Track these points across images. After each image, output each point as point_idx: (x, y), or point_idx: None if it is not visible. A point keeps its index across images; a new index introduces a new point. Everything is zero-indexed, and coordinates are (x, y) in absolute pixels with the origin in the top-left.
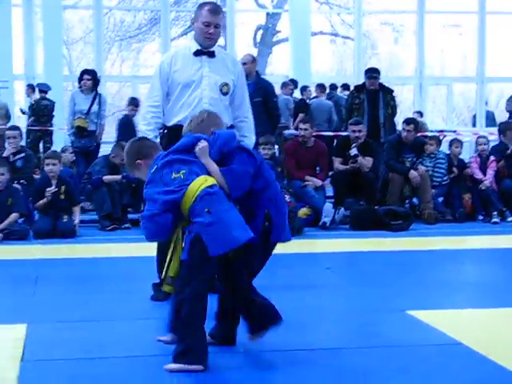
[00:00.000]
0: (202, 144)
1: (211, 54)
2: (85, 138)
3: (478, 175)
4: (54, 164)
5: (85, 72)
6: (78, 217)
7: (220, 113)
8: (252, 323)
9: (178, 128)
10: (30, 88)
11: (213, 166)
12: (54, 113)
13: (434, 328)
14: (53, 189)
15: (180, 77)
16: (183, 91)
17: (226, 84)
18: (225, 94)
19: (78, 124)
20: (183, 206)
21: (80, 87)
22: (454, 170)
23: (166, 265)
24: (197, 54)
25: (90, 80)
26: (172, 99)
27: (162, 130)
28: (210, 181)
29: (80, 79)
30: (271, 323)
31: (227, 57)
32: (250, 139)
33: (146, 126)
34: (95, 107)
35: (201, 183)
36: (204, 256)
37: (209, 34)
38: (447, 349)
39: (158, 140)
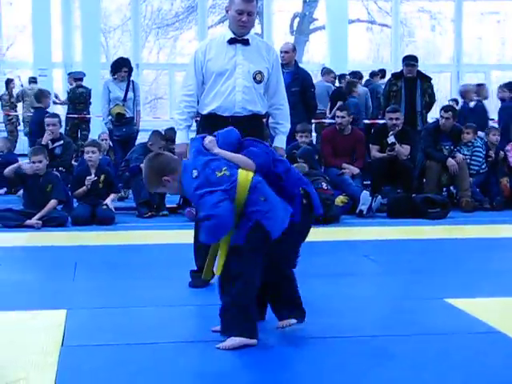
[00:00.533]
0: (209, 138)
1: (245, 42)
2: (125, 125)
3: None
4: (93, 152)
5: (122, 64)
6: (110, 201)
7: (252, 100)
8: (285, 309)
9: (212, 116)
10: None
11: (228, 153)
12: (90, 100)
13: (472, 316)
14: (92, 178)
15: (214, 65)
16: (217, 80)
17: (260, 72)
18: (258, 82)
19: (117, 111)
20: (237, 201)
21: (114, 77)
22: (491, 153)
23: (210, 252)
24: (231, 42)
25: (127, 72)
26: (206, 88)
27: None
28: (250, 171)
29: (116, 71)
30: (299, 316)
31: (262, 44)
32: (284, 127)
33: (179, 116)
34: (130, 94)
35: (246, 174)
36: (263, 240)
37: (242, 22)
38: (485, 337)
39: (188, 129)
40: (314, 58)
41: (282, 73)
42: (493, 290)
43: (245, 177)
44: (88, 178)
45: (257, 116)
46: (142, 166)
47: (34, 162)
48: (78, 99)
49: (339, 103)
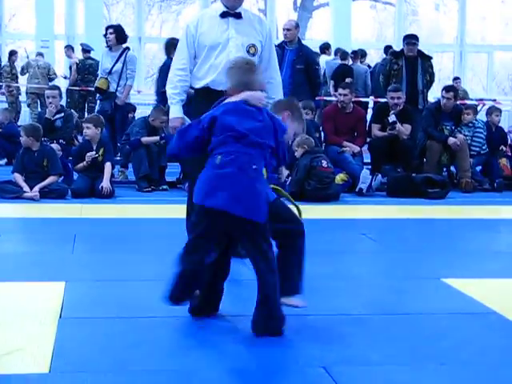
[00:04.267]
0: None
1: (238, 16)
2: (105, 100)
3: None
4: (88, 128)
5: (108, 27)
6: (107, 181)
7: None
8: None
9: (205, 90)
10: (70, 49)
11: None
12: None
13: (469, 296)
14: (92, 154)
15: (206, 39)
16: (210, 53)
17: (253, 45)
18: (252, 55)
19: (96, 85)
20: None
21: (107, 45)
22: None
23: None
24: (223, 15)
25: (113, 34)
26: (199, 62)
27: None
28: None
29: (105, 35)
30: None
31: (254, 17)
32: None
33: (172, 90)
34: (118, 66)
35: None
36: None
37: None
38: (481, 317)
39: (181, 103)
40: (317, 35)
41: (274, 46)
42: (490, 271)
43: None
44: (88, 154)
45: None
46: (142, 139)
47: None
48: (88, 70)
49: (348, 79)
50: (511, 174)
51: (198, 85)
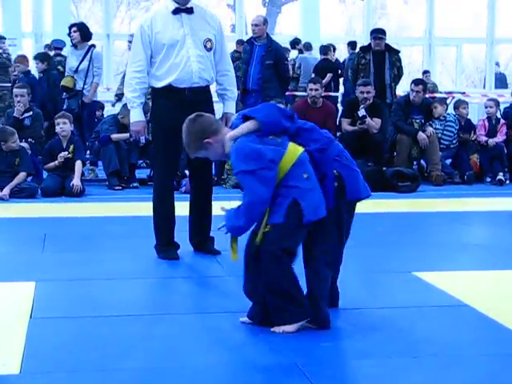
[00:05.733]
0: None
1: (190, 11)
2: (71, 98)
3: (482, 140)
4: (64, 123)
5: (71, 25)
6: (78, 180)
7: (207, 69)
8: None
9: (167, 89)
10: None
11: (239, 128)
12: None
13: (439, 289)
14: (66, 154)
15: (163, 38)
16: (169, 52)
17: (209, 40)
18: (209, 49)
19: (62, 83)
20: (280, 169)
21: (72, 43)
22: (462, 135)
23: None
24: (175, 12)
25: (77, 32)
26: (158, 61)
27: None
28: (300, 147)
29: (69, 34)
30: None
31: (205, 12)
32: (233, 92)
33: (132, 93)
34: (85, 64)
35: (295, 148)
36: (299, 221)
37: None
38: (452, 310)
39: (142, 106)
40: (286, 30)
41: (225, 39)
42: (460, 264)
43: (294, 148)
44: (61, 155)
45: (209, 88)
46: (112, 136)
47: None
48: (56, 68)
49: (329, 75)
50: (479, 171)
51: (159, 84)
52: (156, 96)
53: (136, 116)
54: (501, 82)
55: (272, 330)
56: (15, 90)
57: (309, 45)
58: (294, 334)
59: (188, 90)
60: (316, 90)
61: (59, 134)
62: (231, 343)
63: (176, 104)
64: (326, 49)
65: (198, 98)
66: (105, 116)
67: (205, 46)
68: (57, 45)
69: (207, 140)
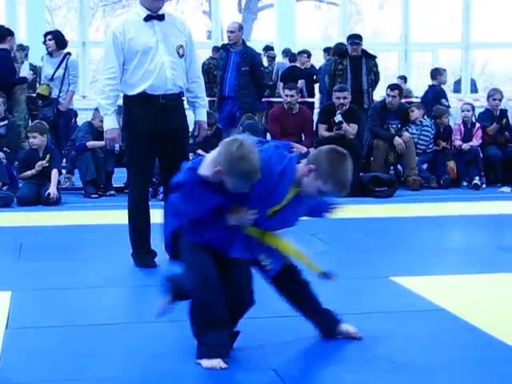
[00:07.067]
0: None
1: (161, 18)
2: (47, 106)
3: (457, 144)
4: (34, 137)
5: (47, 33)
6: (54, 188)
7: (181, 76)
8: None
9: (141, 97)
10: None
11: None
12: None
13: (417, 294)
14: (43, 163)
15: (136, 44)
16: (142, 59)
17: (181, 46)
18: (181, 56)
19: (38, 91)
20: None
21: (48, 51)
22: (440, 142)
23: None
24: (147, 19)
25: (52, 40)
26: (131, 68)
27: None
28: None
29: (44, 42)
30: None
31: (175, 19)
32: (203, 99)
33: (105, 100)
34: (60, 72)
35: None
36: None
37: None
38: (430, 314)
39: (115, 114)
40: (262, 36)
41: (195, 47)
42: (438, 268)
43: None
44: (38, 163)
45: (181, 95)
46: (88, 144)
47: None
48: None
49: (301, 81)
50: (456, 177)
51: (133, 92)
52: (129, 104)
53: (110, 124)
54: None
55: None
56: None
57: (288, 51)
58: (271, 341)
59: (162, 97)
60: (292, 96)
61: (31, 146)
62: None
63: (150, 111)
64: (293, 56)
65: (172, 104)
66: (79, 124)
67: (178, 53)
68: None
69: None
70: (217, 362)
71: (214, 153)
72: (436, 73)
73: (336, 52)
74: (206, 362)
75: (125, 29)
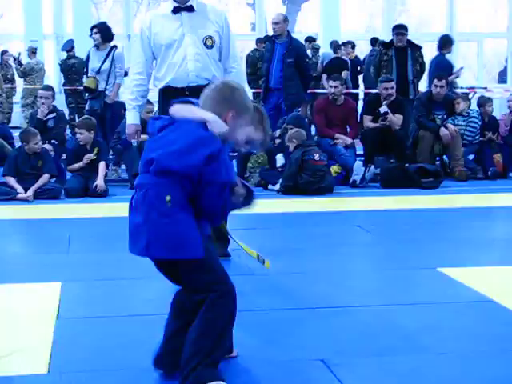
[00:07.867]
0: None
1: (190, 9)
2: (94, 99)
3: (504, 133)
4: (81, 133)
5: (93, 27)
6: (102, 181)
7: (206, 67)
8: None
9: (168, 90)
10: (31, 51)
11: None
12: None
13: (465, 285)
14: (91, 156)
15: (161, 38)
16: (167, 52)
17: (210, 37)
18: (209, 47)
19: (85, 84)
20: None
21: (94, 44)
22: (487, 133)
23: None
24: (175, 11)
25: (98, 33)
26: (158, 62)
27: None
28: None
29: (91, 35)
30: None
31: (209, 8)
32: None
33: (128, 96)
34: (107, 65)
35: None
36: None
37: None
38: (477, 306)
39: (138, 109)
40: (306, 28)
41: (232, 35)
42: (485, 259)
43: None
44: (86, 156)
45: None
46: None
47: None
48: (70, 70)
49: (345, 72)
50: (502, 170)
51: (160, 85)
52: (159, 97)
53: (129, 119)
54: None
55: None
56: (40, 92)
57: (336, 42)
58: (319, 331)
59: (188, 89)
60: (336, 87)
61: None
62: (266, 329)
63: None
64: (336, 47)
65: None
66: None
67: (204, 44)
68: (66, 48)
69: None
70: None
71: (197, 109)
72: (446, 41)
73: (381, 42)
74: None
75: (152, 23)
